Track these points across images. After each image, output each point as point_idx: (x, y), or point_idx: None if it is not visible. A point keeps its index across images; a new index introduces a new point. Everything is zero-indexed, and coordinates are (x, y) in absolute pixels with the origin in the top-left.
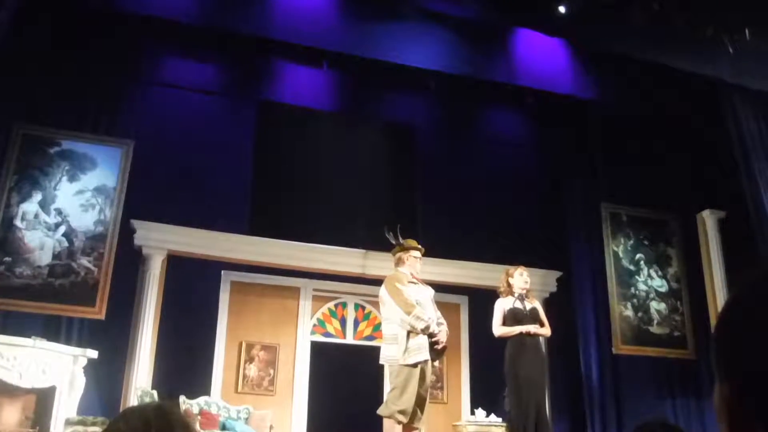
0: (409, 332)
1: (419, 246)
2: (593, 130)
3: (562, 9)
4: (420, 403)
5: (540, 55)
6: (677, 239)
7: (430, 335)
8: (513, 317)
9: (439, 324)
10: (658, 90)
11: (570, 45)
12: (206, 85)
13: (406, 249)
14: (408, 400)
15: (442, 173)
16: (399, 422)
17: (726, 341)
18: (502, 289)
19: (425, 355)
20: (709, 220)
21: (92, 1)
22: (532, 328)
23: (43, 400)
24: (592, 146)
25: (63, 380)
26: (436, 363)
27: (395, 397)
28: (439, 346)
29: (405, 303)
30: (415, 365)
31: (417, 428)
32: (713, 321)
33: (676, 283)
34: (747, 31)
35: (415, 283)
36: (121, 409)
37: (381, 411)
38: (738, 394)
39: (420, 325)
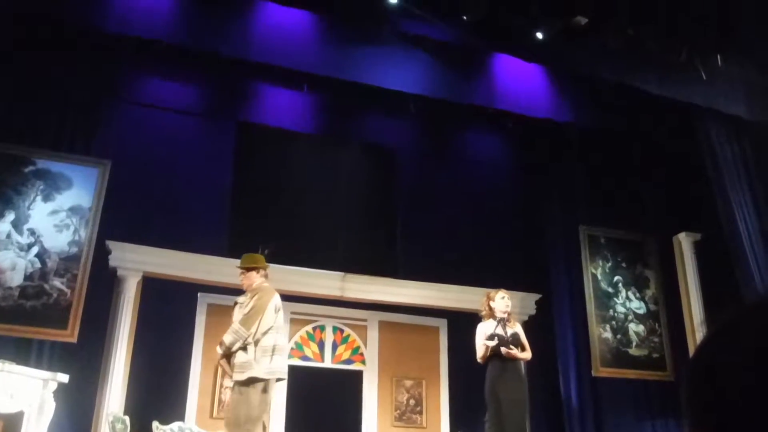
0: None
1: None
2: (571, 153)
3: (539, 35)
4: None
5: (518, 80)
6: (654, 261)
7: None
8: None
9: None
10: (633, 114)
11: (547, 70)
12: (185, 106)
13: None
14: None
15: (422, 196)
16: None
17: (697, 388)
18: (483, 313)
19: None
20: (685, 242)
21: (70, 19)
22: (513, 351)
23: (10, 425)
24: (569, 169)
25: (32, 405)
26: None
27: None
28: None
29: None
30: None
31: None
32: (691, 342)
33: (653, 305)
34: (719, 56)
35: None
36: None
37: None
38: None
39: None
